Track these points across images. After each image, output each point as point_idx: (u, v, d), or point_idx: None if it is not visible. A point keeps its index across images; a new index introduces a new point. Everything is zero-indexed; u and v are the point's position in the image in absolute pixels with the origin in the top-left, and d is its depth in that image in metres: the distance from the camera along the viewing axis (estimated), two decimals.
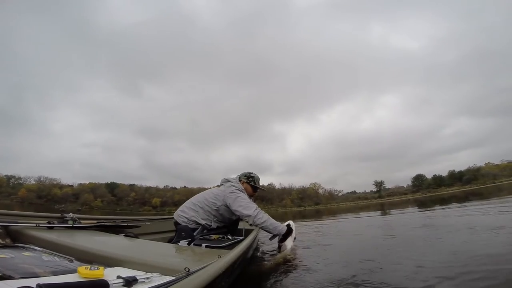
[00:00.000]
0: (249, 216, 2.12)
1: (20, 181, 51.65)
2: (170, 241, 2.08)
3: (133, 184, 61.65)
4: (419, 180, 57.62)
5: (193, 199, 2.35)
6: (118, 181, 61.48)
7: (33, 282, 0.62)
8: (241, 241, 1.69)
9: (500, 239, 2.09)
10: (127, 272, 0.83)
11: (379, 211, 9.36)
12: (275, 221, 2.20)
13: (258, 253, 2.44)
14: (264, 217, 2.14)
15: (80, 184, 57.72)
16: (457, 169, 55.27)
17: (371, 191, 63.15)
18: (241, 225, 2.59)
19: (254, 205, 2.19)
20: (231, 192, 2.21)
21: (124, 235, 1.76)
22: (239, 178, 2.49)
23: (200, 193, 2.42)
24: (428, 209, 6.90)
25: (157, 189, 62.44)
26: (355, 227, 4.69)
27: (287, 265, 1.99)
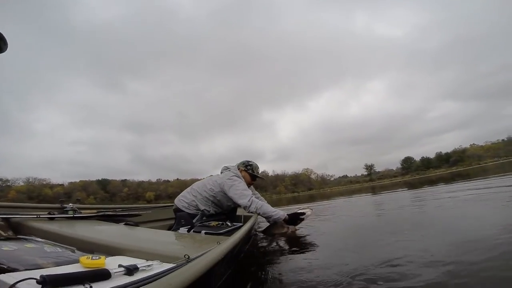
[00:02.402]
0: (243, 205, 2.16)
1: (8, 183, 50.52)
2: (170, 228, 2.10)
3: (125, 180, 61.37)
4: (407, 163, 59.45)
5: (193, 185, 2.39)
6: (109, 177, 61.24)
7: (37, 273, 0.60)
8: (239, 227, 1.71)
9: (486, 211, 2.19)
10: (128, 261, 0.82)
11: (371, 193, 9.74)
12: (271, 210, 2.23)
13: (257, 239, 2.47)
14: (258, 205, 2.16)
15: (71, 182, 57.24)
16: (444, 151, 57.43)
17: (362, 174, 65.00)
18: (240, 212, 2.61)
19: (249, 194, 2.20)
20: (229, 179, 2.24)
21: (124, 224, 1.76)
22: (238, 166, 2.50)
23: (201, 180, 2.45)
24: (417, 189, 7.18)
25: (149, 183, 62.35)
26: (349, 207, 4.83)
27: (285, 248, 2.04)
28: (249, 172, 2.46)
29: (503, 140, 52.81)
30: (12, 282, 0.57)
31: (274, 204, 2.40)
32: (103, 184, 56.27)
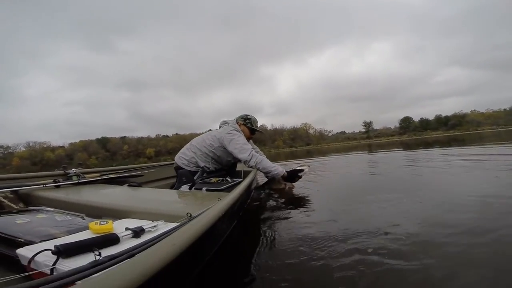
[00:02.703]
0: (244, 159, 2.18)
1: (9, 150, 50.38)
2: (172, 187, 2.16)
3: (124, 137, 61.41)
4: (406, 123, 59.35)
5: (192, 141, 2.37)
6: (108, 135, 61.19)
7: (51, 244, 0.64)
8: (239, 183, 1.74)
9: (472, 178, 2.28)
10: (134, 223, 0.86)
11: (367, 152, 10.01)
12: (271, 165, 2.28)
13: (256, 195, 2.59)
14: (258, 160, 2.19)
15: (71, 143, 57.31)
16: (443, 114, 56.74)
17: (360, 131, 65.44)
18: (240, 167, 2.67)
19: (249, 148, 2.21)
20: (228, 133, 2.21)
21: (128, 185, 1.82)
22: (236, 120, 2.45)
23: (200, 135, 2.43)
24: (412, 150, 7.35)
25: (149, 139, 62.50)
26: (345, 166, 4.98)
27: (282, 205, 2.14)
28: (248, 126, 2.42)
29: (504, 109, 51.98)
30: (30, 256, 0.60)
31: (272, 158, 2.44)
32: (103, 142, 56.43)
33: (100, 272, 0.46)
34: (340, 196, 2.28)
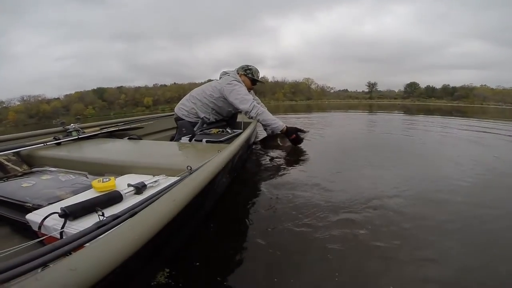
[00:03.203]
0: (245, 110, 2.13)
1: (4, 105, 47.30)
2: (172, 139, 2.13)
3: (121, 87, 58.01)
4: (411, 87, 57.53)
5: (192, 92, 2.28)
6: (105, 86, 57.85)
7: (58, 207, 0.64)
8: (239, 134, 1.71)
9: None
10: (136, 179, 0.86)
11: (367, 111, 10.07)
12: (272, 117, 2.23)
13: (255, 149, 2.61)
14: (260, 111, 2.14)
15: (67, 95, 53.88)
16: (452, 85, 54.77)
17: (363, 91, 63.69)
18: (240, 118, 2.61)
19: (250, 98, 2.14)
20: (228, 84, 2.12)
21: (128, 139, 1.79)
22: (237, 71, 2.33)
23: (200, 86, 2.31)
24: (412, 115, 7.34)
25: (146, 88, 59.35)
26: (344, 124, 4.98)
27: (282, 157, 2.21)
28: (249, 76, 2.31)
29: None
30: (39, 221, 0.61)
31: (271, 111, 2.39)
32: (99, 93, 53.67)
33: (104, 234, 0.46)
34: (336, 157, 2.32)
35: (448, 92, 53.10)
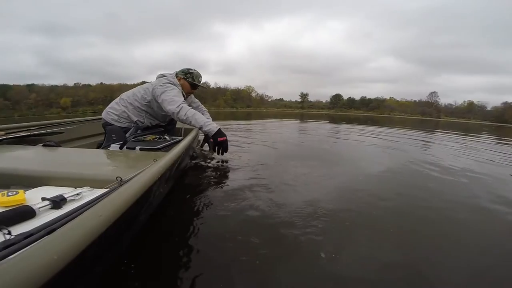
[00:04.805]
0: (171, 112, 1.93)
1: None
2: (99, 146, 1.88)
3: (32, 84, 47.78)
4: (336, 99, 66.11)
5: (122, 95, 2.05)
6: (10, 83, 47.02)
7: None
8: (179, 141, 1.61)
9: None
10: (52, 191, 0.73)
11: (299, 120, 11.44)
12: (204, 119, 2.00)
13: (199, 155, 2.53)
14: (189, 113, 1.93)
15: None
16: (368, 97, 65.51)
17: (296, 101, 69.63)
18: (180, 124, 2.49)
19: (180, 100, 1.96)
20: (161, 85, 1.96)
21: (43, 145, 1.48)
22: (177, 74, 2.21)
23: (131, 89, 2.11)
24: (336, 124, 8.60)
25: (65, 87, 50.37)
26: (279, 132, 5.39)
27: (225, 163, 2.25)
28: (189, 80, 2.21)
29: (414, 101, 63.45)
30: None
31: (211, 117, 2.36)
32: (2, 90, 42.90)
33: (14, 255, 0.39)
34: (272, 162, 2.47)
35: (365, 103, 63.03)
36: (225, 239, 1.03)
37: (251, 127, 6.25)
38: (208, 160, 2.31)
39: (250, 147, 3.19)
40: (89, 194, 0.76)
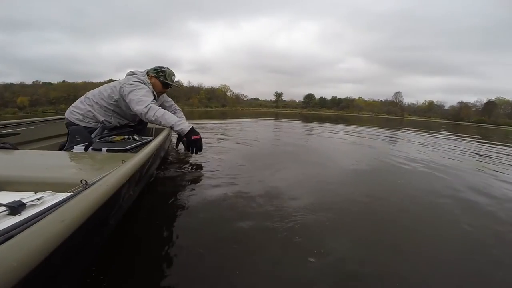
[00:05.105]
0: (139, 112, 1.85)
1: None
2: (61, 148, 1.74)
3: None
4: (309, 98, 68.26)
5: (87, 93, 1.91)
6: None
7: None
8: (149, 141, 1.56)
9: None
10: (9, 197, 0.68)
11: (274, 119, 11.66)
12: (175, 118, 1.94)
13: (172, 155, 2.45)
14: (158, 113, 1.86)
15: None
16: (338, 96, 68.63)
17: (271, 100, 70.58)
18: (151, 124, 2.39)
19: (148, 100, 1.88)
20: (129, 84, 1.85)
21: None
22: (148, 72, 2.12)
23: (97, 88, 1.98)
24: (309, 123, 8.94)
25: (22, 85, 45.58)
26: (255, 131, 5.43)
27: (200, 163, 2.20)
28: (161, 79, 2.11)
29: (381, 100, 67.73)
30: None
31: (185, 117, 2.32)
32: None
33: None
34: (248, 161, 2.49)
35: (335, 102, 65.92)
36: (200, 245, 1.01)
37: (226, 126, 6.22)
38: (182, 159, 2.25)
39: (225, 146, 3.18)
40: (51, 198, 0.71)
